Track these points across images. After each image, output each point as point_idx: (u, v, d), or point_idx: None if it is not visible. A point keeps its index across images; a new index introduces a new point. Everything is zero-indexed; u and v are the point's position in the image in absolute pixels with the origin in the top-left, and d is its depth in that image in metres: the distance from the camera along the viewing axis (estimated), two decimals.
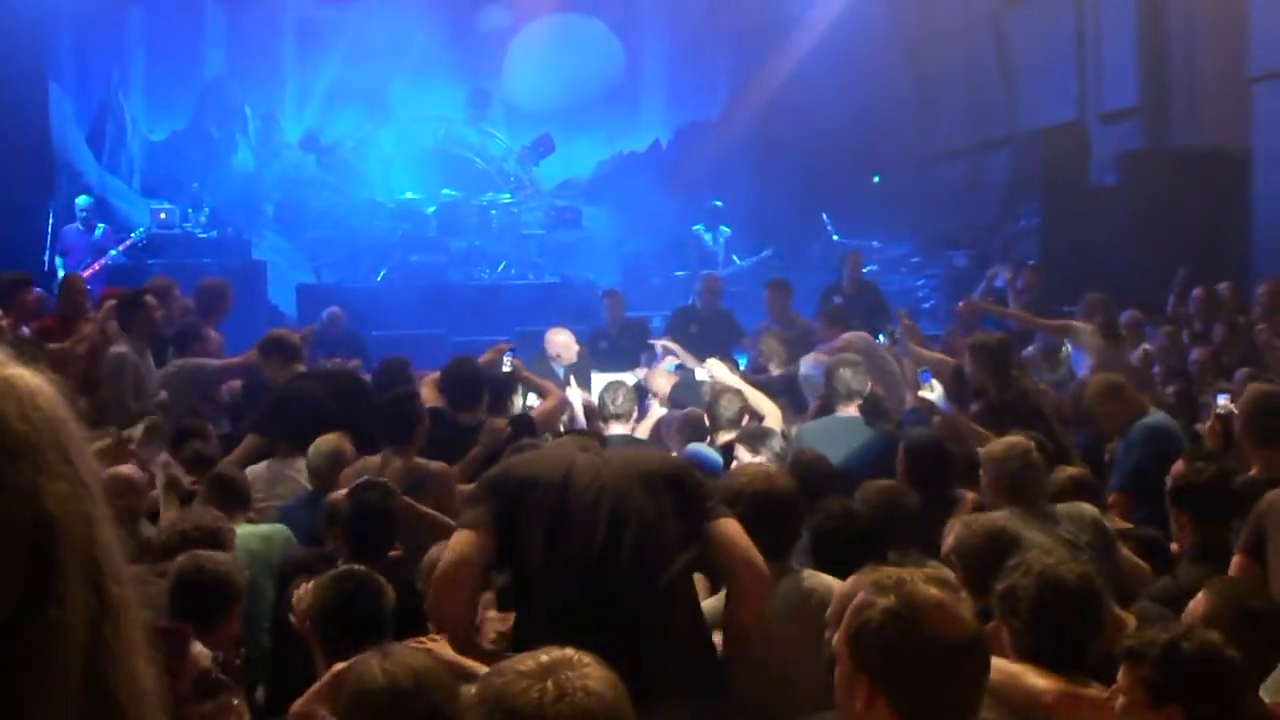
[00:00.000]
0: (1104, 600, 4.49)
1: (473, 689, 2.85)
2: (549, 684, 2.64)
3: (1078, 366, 12.00)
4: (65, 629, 1.43)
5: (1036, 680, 4.28)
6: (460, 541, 4.69)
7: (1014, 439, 6.67)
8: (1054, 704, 4.21)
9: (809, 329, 13.07)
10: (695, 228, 19.63)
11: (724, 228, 19.63)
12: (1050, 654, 4.34)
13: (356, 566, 5.14)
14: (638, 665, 3.23)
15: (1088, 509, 6.35)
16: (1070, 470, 7.18)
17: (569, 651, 2.72)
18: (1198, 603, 4.71)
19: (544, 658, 2.72)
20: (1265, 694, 5.47)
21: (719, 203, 19.87)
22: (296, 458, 8.31)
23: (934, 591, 2.91)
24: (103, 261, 16.08)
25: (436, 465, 7.88)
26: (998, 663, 4.46)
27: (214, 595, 5.19)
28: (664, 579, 4.60)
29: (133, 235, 17.18)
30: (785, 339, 11.86)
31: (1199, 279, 15.17)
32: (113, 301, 10.71)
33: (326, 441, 7.82)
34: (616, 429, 8.96)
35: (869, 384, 9.37)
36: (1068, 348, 12.41)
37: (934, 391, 10.77)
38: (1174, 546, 6.62)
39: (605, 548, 4.59)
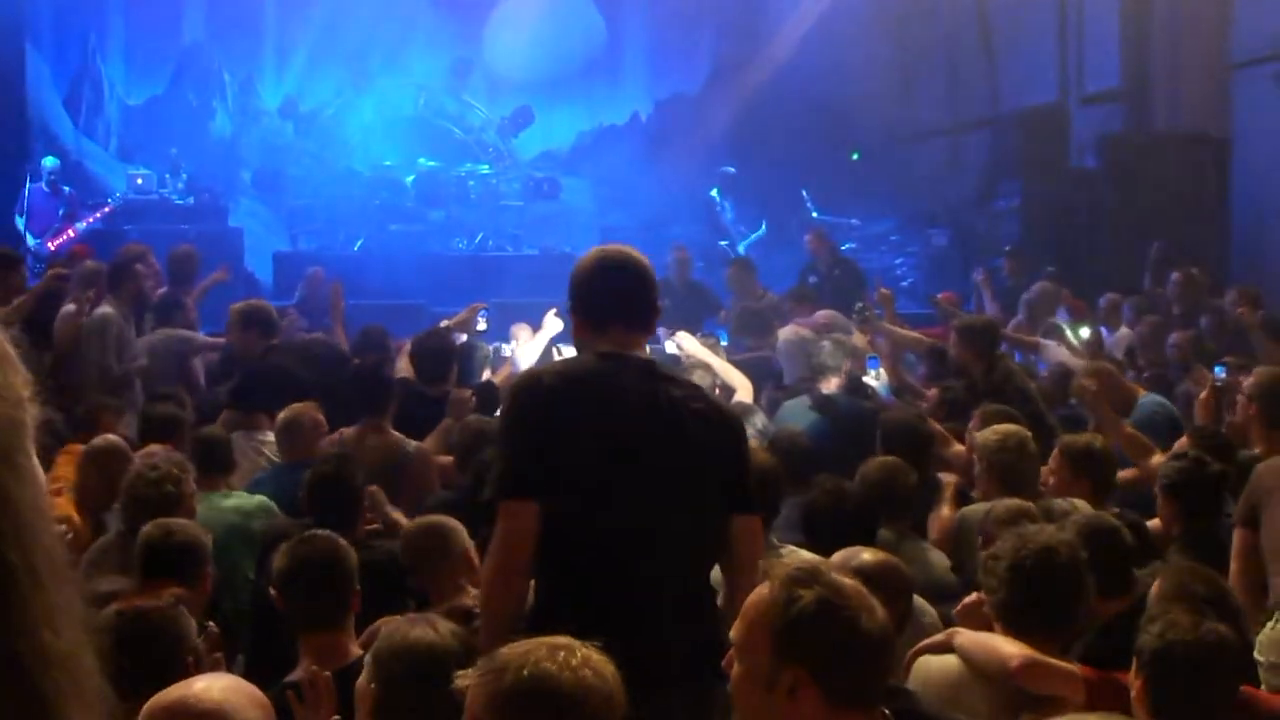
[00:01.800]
0: (1084, 571, 4.47)
1: (483, 662, 2.93)
2: (570, 652, 2.83)
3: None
4: None
5: (1006, 646, 4.31)
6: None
7: (1007, 427, 6.67)
8: (1018, 670, 4.24)
9: (778, 306, 13.02)
10: (712, 193, 19.56)
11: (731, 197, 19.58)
12: (1026, 618, 4.34)
13: (316, 531, 5.11)
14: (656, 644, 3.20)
15: (1085, 508, 6.35)
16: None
17: (568, 639, 2.88)
18: (1152, 591, 4.75)
19: (552, 639, 2.89)
20: (1259, 654, 5.52)
21: (731, 169, 19.77)
22: (265, 430, 8.29)
23: (850, 581, 3.02)
24: (74, 229, 15.87)
25: (414, 445, 7.86)
26: (971, 633, 4.50)
27: (184, 558, 5.18)
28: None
29: (109, 201, 17.00)
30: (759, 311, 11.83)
31: (1172, 255, 15.22)
32: (89, 262, 10.67)
33: (290, 413, 7.79)
34: None
35: (848, 361, 9.35)
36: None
37: (879, 380, 10.75)
38: (1152, 523, 6.62)
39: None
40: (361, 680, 3.85)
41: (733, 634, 3.05)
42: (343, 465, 6.28)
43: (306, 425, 7.71)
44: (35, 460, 1.46)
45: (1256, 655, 5.51)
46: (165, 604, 4.32)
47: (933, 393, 9.38)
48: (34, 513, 1.43)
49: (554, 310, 9.61)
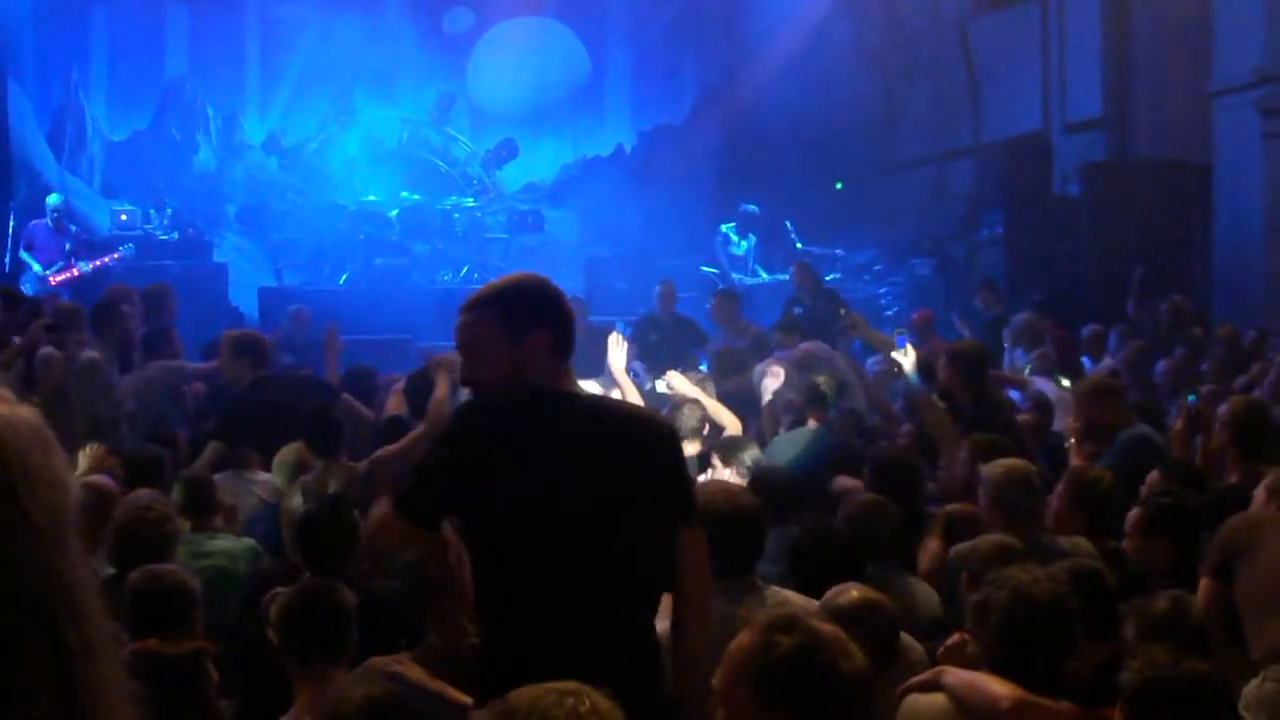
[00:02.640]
0: (1075, 621, 4.47)
1: (490, 707, 2.93)
2: (579, 699, 2.80)
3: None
4: (15, 682, 1.40)
5: (996, 687, 4.29)
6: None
7: (1013, 461, 6.65)
8: (1009, 711, 4.22)
9: (762, 337, 13.02)
10: (724, 227, 19.56)
11: (751, 235, 19.54)
12: (1016, 668, 4.34)
13: (317, 580, 5.11)
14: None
15: (1084, 545, 6.36)
16: None
17: (577, 684, 2.88)
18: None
19: (561, 685, 2.88)
20: (1244, 711, 5.53)
21: (754, 207, 19.78)
22: (255, 470, 8.29)
23: (828, 626, 3.13)
24: (78, 269, 15.87)
25: (366, 463, 7.87)
26: (961, 672, 4.49)
27: (174, 604, 5.16)
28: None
29: (120, 249, 16.89)
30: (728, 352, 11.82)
31: (1156, 280, 15.27)
32: (66, 303, 10.65)
33: (288, 453, 7.79)
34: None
35: (836, 394, 9.38)
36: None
37: (908, 357, 10.77)
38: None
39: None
40: None
41: (714, 681, 3.11)
42: (332, 506, 6.26)
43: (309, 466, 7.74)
44: (79, 540, 1.51)
45: (1243, 711, 5.52)
46: (185, 651, 4.35)
47: (906, 428, 9.38)
48: (86, 592, 1.49)
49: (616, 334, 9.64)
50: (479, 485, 4.15)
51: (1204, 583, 6.11)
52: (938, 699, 4.47)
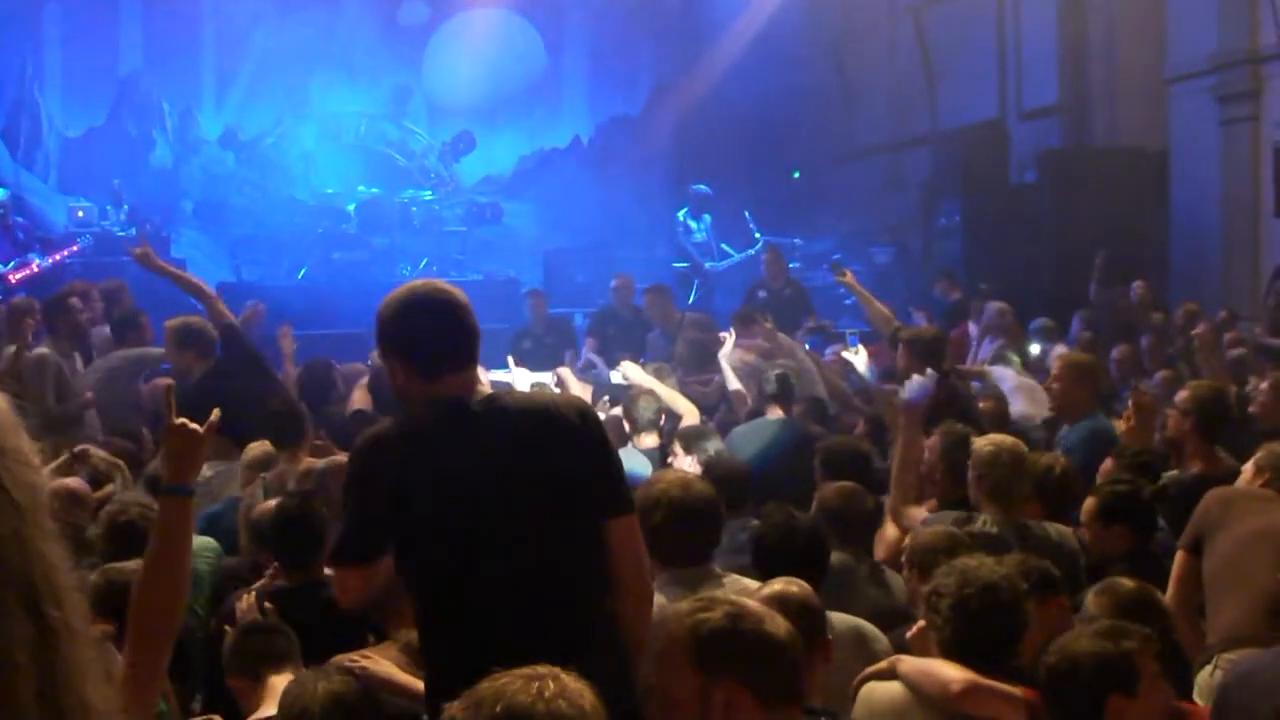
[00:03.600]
0: (1023, 603, 4.51)
1: (464, 696, 2.94)
2: (545, 683, 2.84)
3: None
4: (7, 666, 1.40)
5: (947, 671, 4.36)
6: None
7: (1002, 439, 6.65)
8: (960, 694, 4.29)
9: (704, 323, 13.05)
10: (680, 214, 19.58)
11: (706, 216, 19.56)
12: (969, 653, 4.38)
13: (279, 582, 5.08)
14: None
15: (1068, 532, 6.38)
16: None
17: (549, 667, 2.91)
18: (1087, 606, 4.80)
19: (530, 670, 2.92)
20: (1198, 697, 5.57)
21: (704, 187, 19.78)
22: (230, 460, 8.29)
23: (748, 601, 3.30)
24: (38, 264, 15.73)
25: (325, 461, 7.84)
26: (913, 659, 4.53)
27: (119, 601, 5.13)
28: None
29: (78, 240, 16.78)
30: (693, 342, 11.83)
31: (1118, 266, 15.35)
32: (18, 299, 10.58)
33: (254, 449, 7.76)
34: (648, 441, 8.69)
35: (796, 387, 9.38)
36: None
37: (859, 355, 10.83)
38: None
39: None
40: None
41: (649, 678, 3.19)
42: (305, 503, 6.24)
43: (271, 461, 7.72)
44: (52, 522, 1.52)
45: (1195, 697, 5.56)
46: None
47: (861, 426, 9.41)
48: (64, 569, 1.51)
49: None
50: (399, 517, 4.08)
51: (1178, 556, 6.18)
52: (895, 687, 4.51)
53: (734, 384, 10.16)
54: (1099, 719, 3.92)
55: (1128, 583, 4.94)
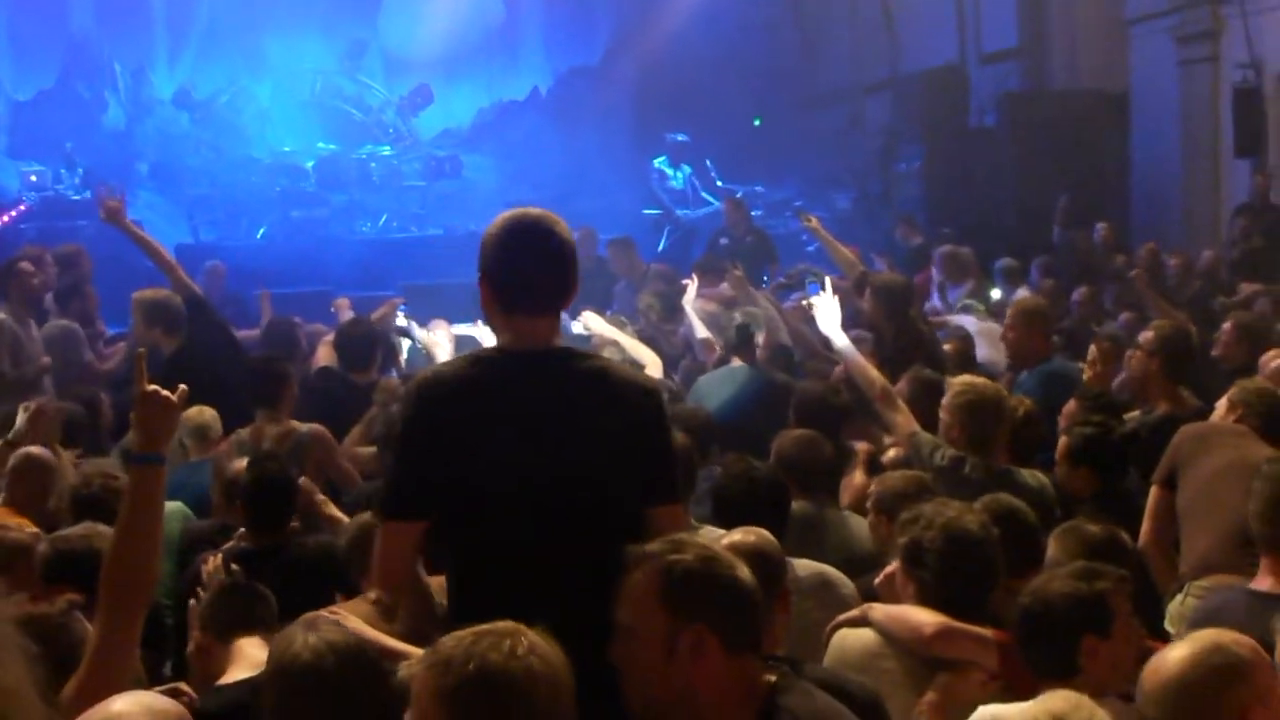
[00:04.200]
0: (998, 553, 4.52)
1: (423, 655, 2.95)
2: (516, 640, 2.84)
3: None
4: None
5: (919, 615, 4.37)
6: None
7: (983, 384, 6.61)
8: (932, 637, 4.30)
9: (668, 275, 13.01)
10: (656, 162, 19.48)
11: (685, 166, 19.48)
12: (947, 598, 4.39)
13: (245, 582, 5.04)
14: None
15: (1043, 478, 6.37)
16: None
17: (514, 624, 2.90)
18: (1050, 550, 4.80)
19: (495, 626, 2.91)
20: (1169, 625, 5.60)
21: (683, 137, 19.67)
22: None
23: (708, 543, 3.28)
24: None
25: (309, 428, 7.80)
26: (884, 606, 4.53)
27: (83, 567, 5.08)
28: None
29: (25, 200, 16.63)
30: (661, 294, 11.77)
31: (1080, 208, 15.38)
32: None
33: (197, 414, 7.70)
34: None
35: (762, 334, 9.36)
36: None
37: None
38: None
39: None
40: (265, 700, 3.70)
41: (618, 618, 3.14)
42: (281, 465, 6.22)
43: (216, 428, 7.69)
44: None
45: (1167, 626, 5.60)
46: (57, 609, 4.26)
47: (840, 370, 9.38)
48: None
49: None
50: (447, 468, 3.85)
51: (1153, 491, 6.21)
52: (866, 634, 4.51)
53: (701, 332, 10.12)
54: (1073, 659, 3.92)
55: (1091, 526, 4.94)
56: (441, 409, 3.89)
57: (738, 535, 4.51)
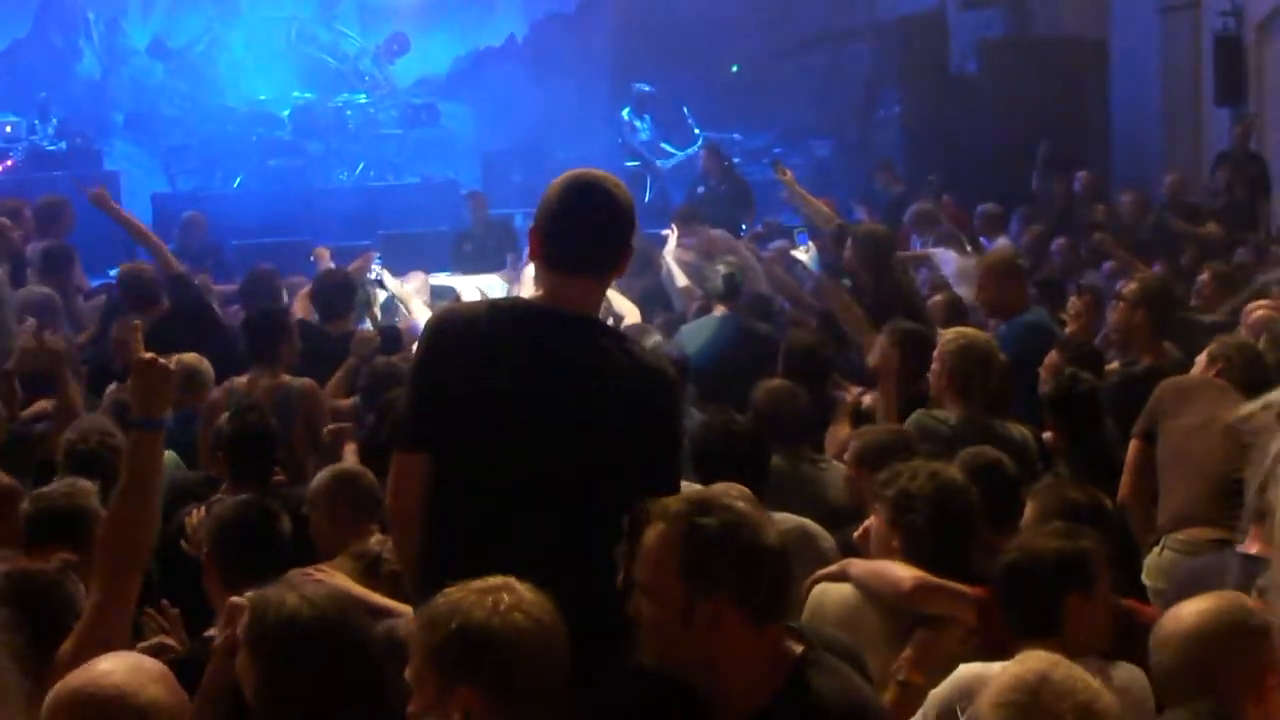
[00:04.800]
0: (976, 507, 4.56)
1: (416, 614, 3.08)
2: (499, 595, 2.91)
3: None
4: None
5: (898, 570, 4.37)
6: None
7: (973, 333, 6.61)
8: (912, 591, 4.30)
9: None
10: (624, 113, 19.44)
11: (647, 115, 19.43)
12: (923, 550, 4.41)
13: (251, 496, 5.05)
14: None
15: (1026, 431, 6.37)
16: None
17: (504, 579, 2.95)
18: (1028, 509, 4.81)
19: (486, 582, 2.98)
20: (1146, 578, 5.64)
21: (647, 86, 19.62)
22: None
23: (739, 502, 3.10)
24: None
25: (299, 382, 7.76)
26: (862, 561, 4.53)
27: (70, 524, 5.07)
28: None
29: (10, 154, 16.51)
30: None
31: (1059, 156, 15.37)
32: None
33: (188, 363, 7.67)
34: None
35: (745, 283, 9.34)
36: None
37: (808, 254, 10.80)
38: (1046, 436, 6.68)
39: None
40: (241, 659, 3.63)
41: (638, 576, 3.03)
42: (262, 416, 6.21)
43: (205, 375, 7.63)
44: None
45: (1144, 579, 5.63)
46: (52, 568, 4.27)
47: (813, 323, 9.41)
48: None
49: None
50: (452, 402, 3.84)
51: (1132, 444, 6.23)
52: (846, 589, 4.51)
53: (681, 280, 10.10)
54: (1056, 618, 3.92)
55: (1071, 491, 4.94)
56: (451, 345, 3.89)
57: (718, 490, 4.50)
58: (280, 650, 3.44)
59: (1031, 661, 3.08)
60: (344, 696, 3.33)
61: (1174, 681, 3.49)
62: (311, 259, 11.20)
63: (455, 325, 3.95)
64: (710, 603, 2.93)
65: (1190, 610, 3.49)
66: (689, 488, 5.07)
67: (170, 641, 4.53)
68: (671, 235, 10.87)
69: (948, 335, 6.57)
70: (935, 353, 6.47)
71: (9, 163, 16.17)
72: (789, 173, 11.63)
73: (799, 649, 3.06)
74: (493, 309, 4.08)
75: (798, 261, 10.97)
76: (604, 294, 4.13)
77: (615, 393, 3.83)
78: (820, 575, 4.65)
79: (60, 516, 5.06)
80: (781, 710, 2.96)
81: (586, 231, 3.89)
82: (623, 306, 8.99)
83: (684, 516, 2.98)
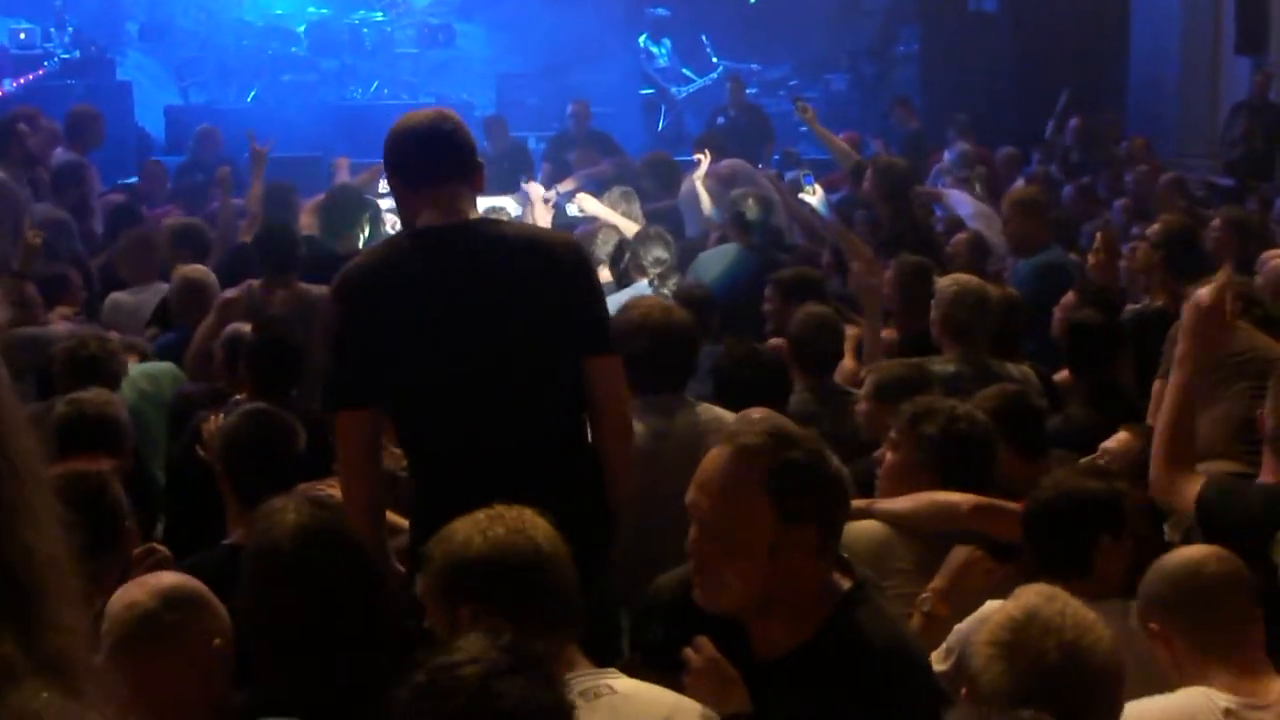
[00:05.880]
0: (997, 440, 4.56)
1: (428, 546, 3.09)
2: (488, 519, 3.01)
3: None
4: None
5: (949, 495, 4.36)
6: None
7: (967, 279, 6.58)
8: (971, 513, 4.30)
9: (625, 162, 12.96)
10: (640, 39, 19.34)
11: (666, 40, 19.35)
12: (953, 481, 4.41)
13: (267, 406, 5.04)
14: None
15: (1029, 371, 6.37)
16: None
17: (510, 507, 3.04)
18: (1123, 441, 4.80)
19: (477, 515, 3.06)
20: (1169, 529, 5.64)
21: (662, 10, 19.50)
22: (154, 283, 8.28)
23: (803, 431, 3.15)
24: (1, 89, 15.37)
25: (319, 290, 7.74)
26: (903, 498, 4.51)
27: (101, 431, 5.09)
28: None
29: (44, 64, 16.43)
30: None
31: (1081, 103, 15.26)
32: None
33: (191, 273, 7.68)
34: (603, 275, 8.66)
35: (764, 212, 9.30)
36: None
37: (815, 196, 10.79)
38: (1059, 376, 6.68)
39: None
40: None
41: (706, 513, 3.00)
42: (289, 329, 6.19)
43: (210, 286, 7.62)
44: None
45: (1166, 528, 5.63)
46: (98, 470, 4.32)
47: (827, 257, 9.39)
48: (11, 413, 1.42)
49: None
50: (382, 353, 4.08)
51: (1156, 385, 6.20)
52: (873, 526, 4.49)
53: (708, 208, 10.13)
54: (1089, 558, 3.94)
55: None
56: (364, 300, 4.12)
57: (757, 415, 4.53)
58: (263, 569, 3.44)
59: (1025, 597, 3.10)
60: (335, 610, 3.33)
61: None
62: (332, 169, 11.19)
63: (358, 279, 4.18)
64: (800, 531, 2.93)
65: (1193, 549, 3.51)
66: (710, 410, 5.16)
67: (158, 547, 4.53)
68: (704, 160, 10.84)
69: (943, 282, 6.55)
70: (933, 300, 6.46)
71: (41, 71, 16.08)
72: (811, 110, 11.62)
73: (846, 584, 3.06)
74: (388, 246, 4.36)
75: (805, 204, 10.94)
76: (474, 200, 4.28)
77: (526, 273, 4.11)
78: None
79: (97, 424, 5.09)
80: (824, 646, 2.97)
81: (428, 147, 4.18)
82: (627, 227, 8.98)
83: (768, 450, 2.97)
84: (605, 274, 8.46)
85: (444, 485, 4.07)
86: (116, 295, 8.57)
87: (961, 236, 9.18)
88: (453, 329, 4.06)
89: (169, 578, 3.40)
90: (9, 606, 1.36)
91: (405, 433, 4.28)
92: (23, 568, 1.38)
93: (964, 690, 2.95)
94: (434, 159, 4.16)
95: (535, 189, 9.71)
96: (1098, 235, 8.13)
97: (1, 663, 1.33)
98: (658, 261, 7.97)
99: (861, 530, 4.45)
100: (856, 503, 4.59)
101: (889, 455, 4.66)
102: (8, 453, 1.39)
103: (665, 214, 10.42)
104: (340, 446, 4.25)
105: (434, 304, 4.06)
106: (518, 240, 4.24)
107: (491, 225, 4.41)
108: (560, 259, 4.17)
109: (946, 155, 13.08)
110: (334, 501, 4.39)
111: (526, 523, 3.03)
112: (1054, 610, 2.99)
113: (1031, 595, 3.11)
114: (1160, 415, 4.60)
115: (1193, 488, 4.22)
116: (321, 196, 9.61)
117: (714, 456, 3.04)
